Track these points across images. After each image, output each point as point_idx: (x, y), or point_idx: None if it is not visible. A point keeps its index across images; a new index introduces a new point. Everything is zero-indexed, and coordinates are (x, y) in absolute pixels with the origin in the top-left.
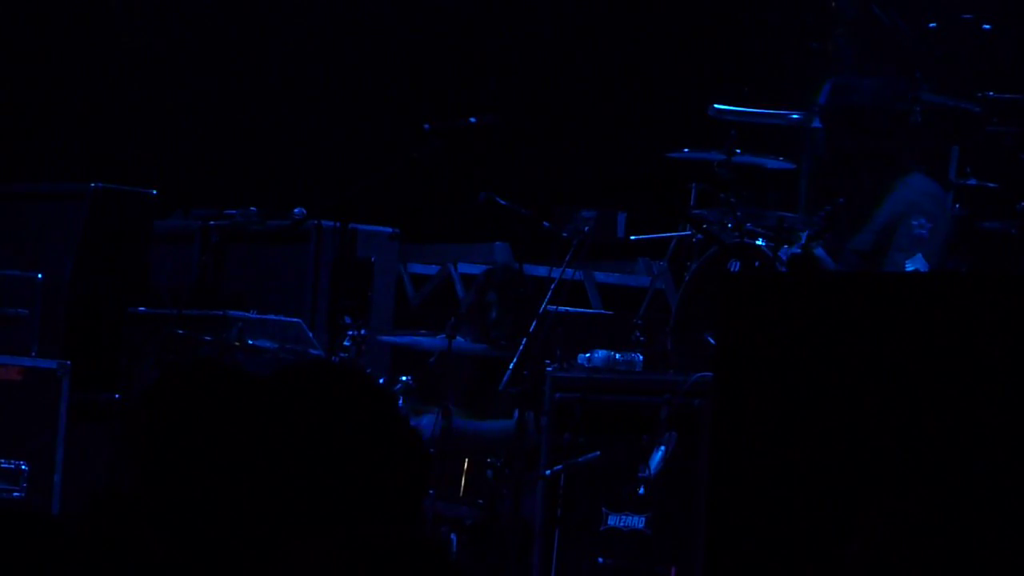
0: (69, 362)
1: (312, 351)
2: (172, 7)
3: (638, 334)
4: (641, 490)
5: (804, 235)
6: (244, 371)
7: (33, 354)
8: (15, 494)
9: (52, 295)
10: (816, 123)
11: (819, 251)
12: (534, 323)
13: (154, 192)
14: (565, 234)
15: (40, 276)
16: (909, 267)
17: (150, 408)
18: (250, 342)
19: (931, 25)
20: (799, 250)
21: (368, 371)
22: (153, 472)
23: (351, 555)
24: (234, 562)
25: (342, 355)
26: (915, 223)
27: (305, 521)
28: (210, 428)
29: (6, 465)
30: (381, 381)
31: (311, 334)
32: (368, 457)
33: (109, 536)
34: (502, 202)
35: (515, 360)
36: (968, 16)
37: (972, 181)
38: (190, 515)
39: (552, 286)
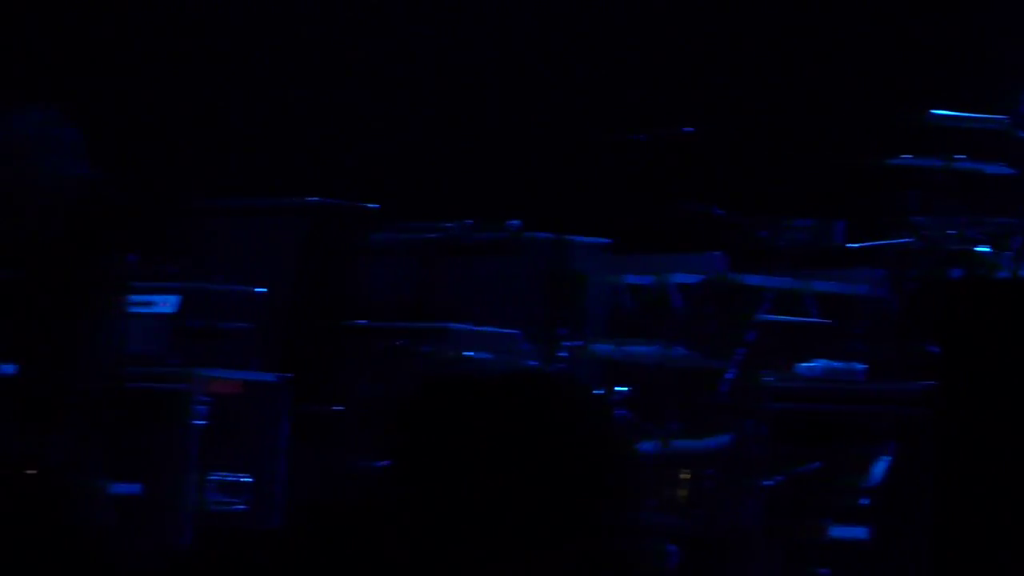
0: (290, 375)
1: (528, 363)
2: (381, 20)
3: (858, 343)
4: (864, 501)
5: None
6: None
7: (254, 368)
8: (238, 507)
9: (272, 309)
10: (1021, 133)
11: None
12: (752, 333)
13: (373, 206)
14: (782, 243)
15: (262, 291)
16: None
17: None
18: (467, 354)
19: None
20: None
21: (584, 382)
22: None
23: (558, 566)
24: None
25: (558, 366)
26: None
27: (519, 532)
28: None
29: (229, 478)
30: (598, 392)
31: (528, 346)
32: (580, 468)
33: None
34: (718, 212)
35: (733, 370)
36: None
37: None
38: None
39: (770, 296)
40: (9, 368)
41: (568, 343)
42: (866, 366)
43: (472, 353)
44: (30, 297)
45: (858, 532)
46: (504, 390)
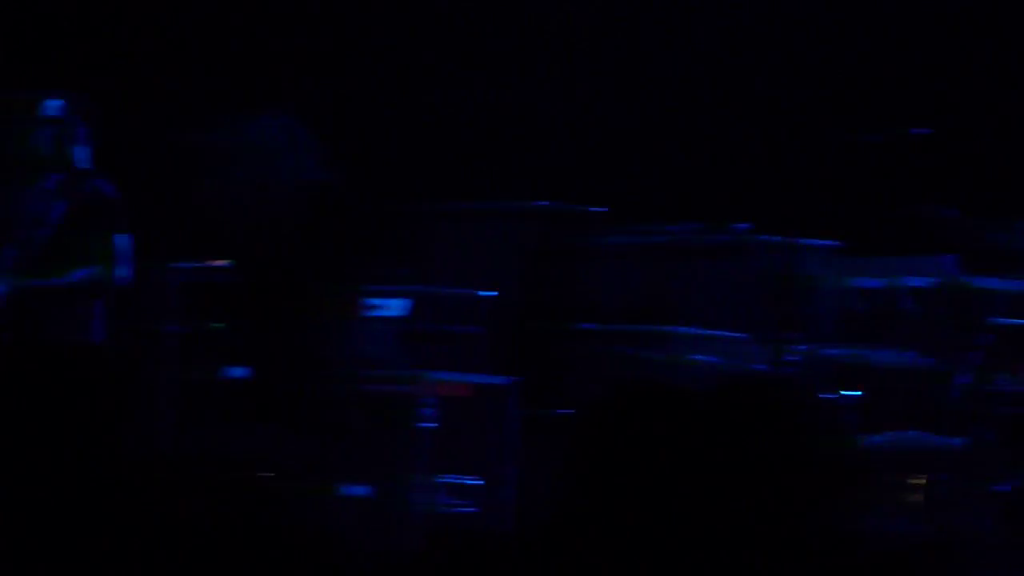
0: (519, 378)
1: (756, 366)
2: (609, 23)
3: None
4: None
5: None
6: (682, 388)
7: (484, 371)
8: (469, 509)
9: (501, 313)
10: None
11: None
12: (985, 337)
13: (600, 209)
14: (1016, 245)
15: (491, 294)
16: None
17: (594, 424)
18: (694, 358)
19: None
20: None
21: (813, 386)
22: (595, 485)
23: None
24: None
25: (786, 370)
26: None
27: (737, 536)
28: (648, 443)
29: (459, 481)
30: (828, 396)
31: (755, 349)
32: (802, 471)
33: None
34: (951, 213)
35: (966, 375)
36: None
37: None
38: (626, 527)
39: (1003, 299)
40: (244, 371)
41: (797, 347)
42: None
43: (699, 357)
44: (266, 300)
45: None
46: (718, 395)
